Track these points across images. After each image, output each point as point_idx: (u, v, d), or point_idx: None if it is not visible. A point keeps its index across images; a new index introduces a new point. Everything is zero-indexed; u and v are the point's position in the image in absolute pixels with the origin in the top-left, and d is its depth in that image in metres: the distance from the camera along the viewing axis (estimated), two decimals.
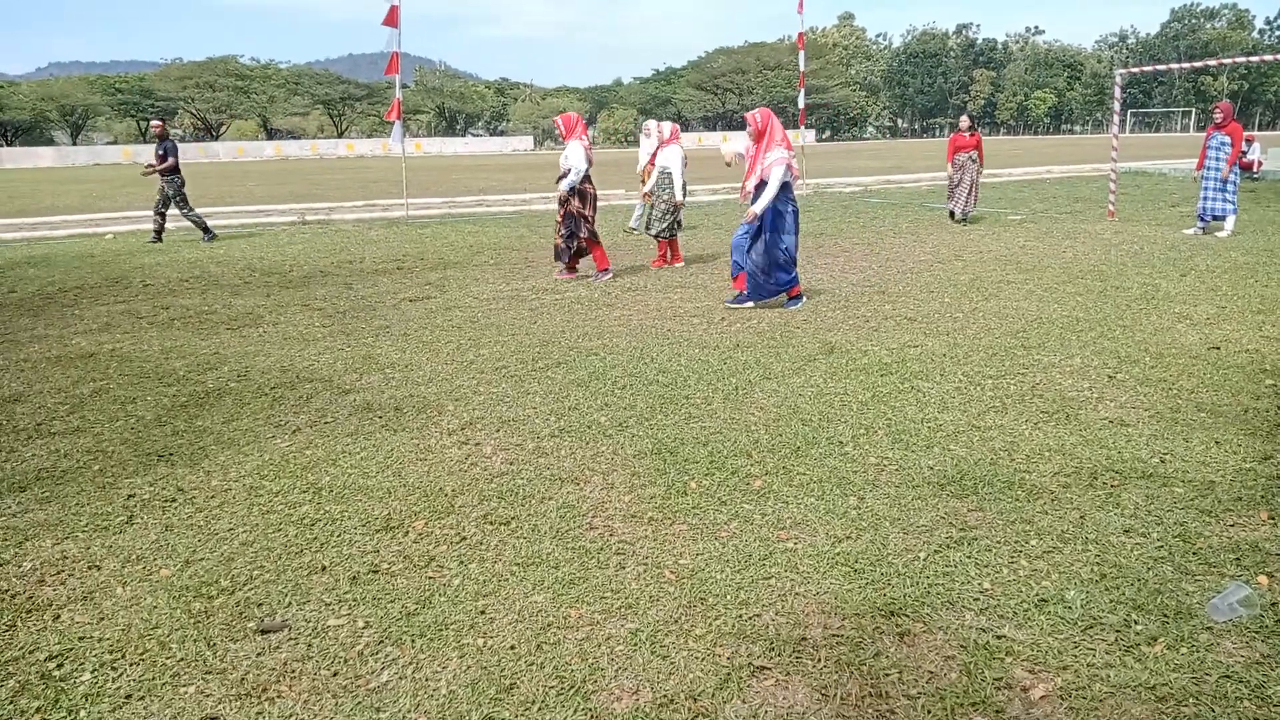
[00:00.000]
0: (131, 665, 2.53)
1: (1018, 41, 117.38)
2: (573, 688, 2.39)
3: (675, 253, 10.00)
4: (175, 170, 12.83)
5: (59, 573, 3.10)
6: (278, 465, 4.06)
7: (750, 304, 7.46)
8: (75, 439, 4.50)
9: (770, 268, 7.23)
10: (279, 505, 3.62)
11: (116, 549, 3.26)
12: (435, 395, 5.13)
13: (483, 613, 2.77)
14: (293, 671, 2.48)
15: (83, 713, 2.33)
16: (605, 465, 3.97)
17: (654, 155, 11.82)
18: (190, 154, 65.48)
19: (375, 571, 3.06)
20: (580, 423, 4.55)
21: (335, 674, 2.47)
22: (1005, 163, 31.91)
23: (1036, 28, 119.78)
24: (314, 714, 2.31)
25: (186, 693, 2.40)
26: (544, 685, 2.41)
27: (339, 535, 3.34)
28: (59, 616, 2.81)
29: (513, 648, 2.58)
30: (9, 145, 76.76)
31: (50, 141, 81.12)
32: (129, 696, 2.39)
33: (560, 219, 8.77)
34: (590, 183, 8.63)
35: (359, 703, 2.35)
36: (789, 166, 7.04)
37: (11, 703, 2.38)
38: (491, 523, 3.43)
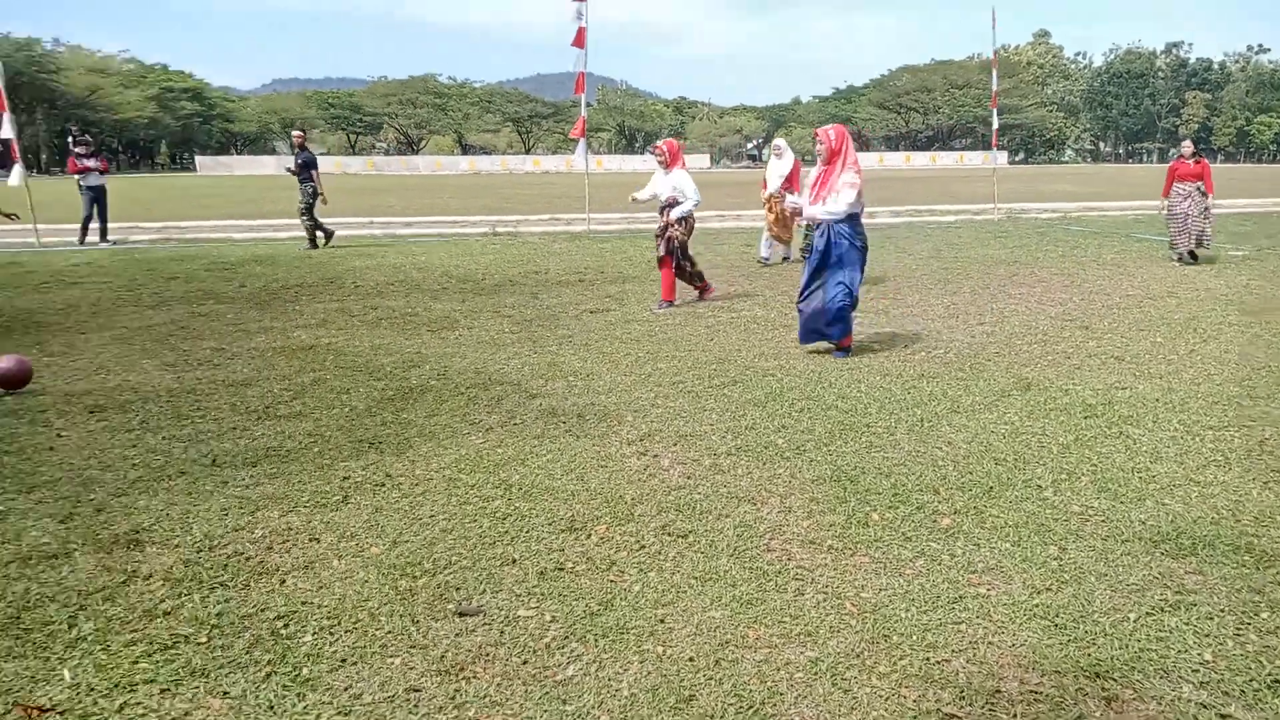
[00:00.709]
0: (346, 633, 2.77)
1: (1237, 61, 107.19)
2: (752, 708, 2.41)
3: None
4: (310, 179, 13.93)
5: (284, 542, 3.43)
6: (473, 460, 4.32)
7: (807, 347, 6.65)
8: (297, 422, 4.96)
9: (829, 315, 6.35)
10: (474, 498, 3.85)
11: (333, 525, 3.58)
12: (615, 405, 5.28)
13: (662, 621, 2.84)
14: (487, 655, 2.64)
15: (305, 670, 2.57)
16: (783, 488, 3.96)
17: (792, 175, 11.46)
18: (393, 167, 70.54)
19: (560, 569, 3.19)
20: (757, 443, 4.56)
21: (525, 662, 2.60)
22: (1225, 193, 29.22)
23: (1260, 46, 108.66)
24: (505, 697, 2.44)
25: (393, 664, 2.60)
26: (723, 701, 2.44)
27: (527, 531, 3.51)
28: (284, 581, 3.12)
29: (691, 660, 2.63)
30: (238, 154, 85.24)
31: (273, 151, 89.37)
32: (344, 660, 2.61)
33: (661, 245, 8.53)
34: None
35: (546, 693, 2.46)
36: (860, 194, 6.32)
37: (247, 653, 2.66)
38: (670, 534, 3.50)
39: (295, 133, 15.09)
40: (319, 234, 14.24)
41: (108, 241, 14.93)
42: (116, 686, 2.51)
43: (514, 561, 3.25)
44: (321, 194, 14.10)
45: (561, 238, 15.95)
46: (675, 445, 4.55)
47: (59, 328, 7.78)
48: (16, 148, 14.69)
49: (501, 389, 5.66)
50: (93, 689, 2.50)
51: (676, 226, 8.44)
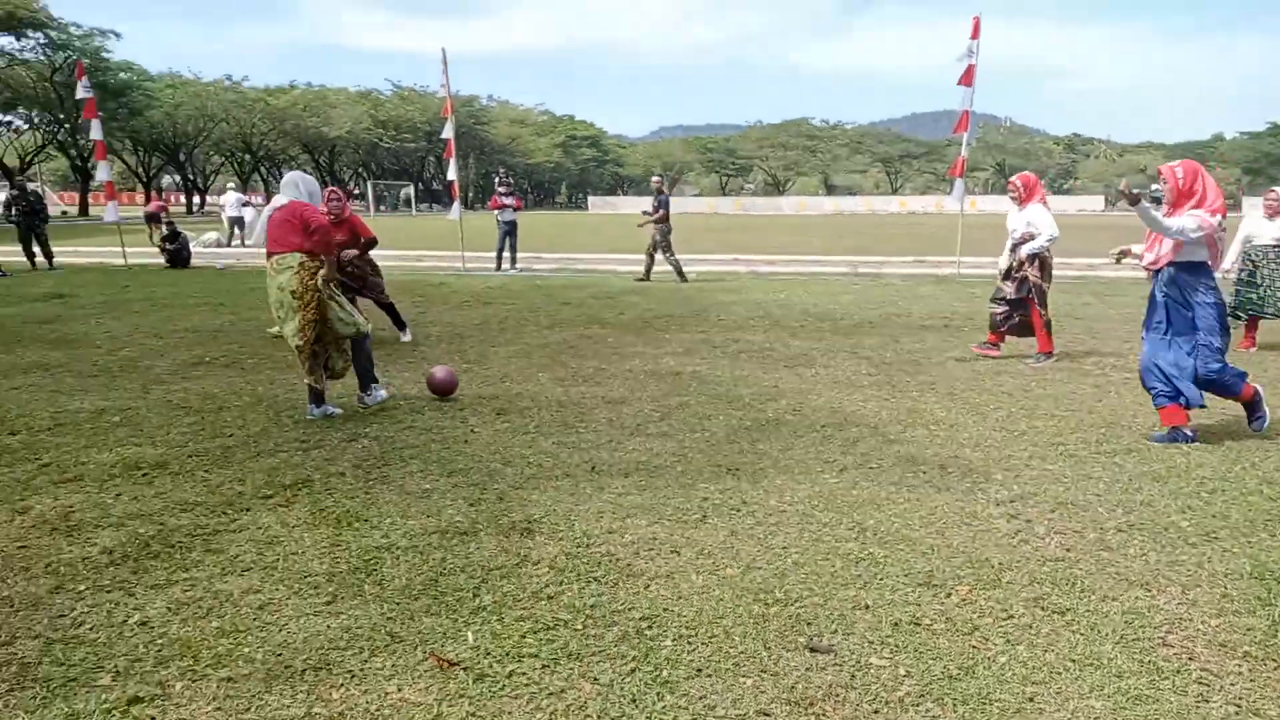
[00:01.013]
0: (703, 645, 2.90)
1: None
2: None
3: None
4: (665, 220, 14.90)
5: (650, 550, 3.69)
6: (826, 498, 4.31)
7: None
8: (664, 441, 5.31)
9: (1208, 380, 5.26)
10: (827, 536, 3.84)
11: (692, 541, 3.77)
12: (982, 461, 4.97)
13: (1031, 700, 2.61)
14: (837, 696, 2.61)
15: (665, 672, 2.73)
16: (1186, 577, 3.45)
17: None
18: (759, 207, 73.03)
19: (916, 624, 3.06)
20: (1154, 522, 4.02)
21: (876, 711, 2.53)
22: None
23: None
24: None
25: (744, 684, 2.67)
26: None
27: (881, 579, 3.42)
28: (649, 586, 3.34)
29: None
30: (624, 194, 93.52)
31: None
32: (699, 671, 2.74)
33: (1007, 286, 7.82)
34: (1050, 251, 7.67)
35: None
36: (1208, 235, 5.11)
37: (615, 646, 2.89)
38: (1043, 608, 3.20)
39: (655, 178, 16.52)
40: (665, 270, 15.35)
41: (516, 269, 17.16)
42: (508, 655, 2.86)
43: (867, 607, 3.18)
44: (652, 224, 15.25)
45: (927, 280, 15.40)
46: (1053, 512, 4.16)
47: (475, 340, 9.10)
48: (456, 188, 17.51)
49: (858, 430, 5.58)
50: (489, 653, 2.87)
51: (1030, 267, 7.77)
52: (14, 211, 16.66)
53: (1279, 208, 8.61)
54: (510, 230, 17.08)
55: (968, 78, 14.83)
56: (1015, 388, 6.85)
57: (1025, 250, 7.73)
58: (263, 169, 70.51)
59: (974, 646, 2.91)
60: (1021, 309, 7.88)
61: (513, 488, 4.46)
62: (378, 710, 2.54)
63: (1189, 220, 5.10)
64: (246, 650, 2.87)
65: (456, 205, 17.58)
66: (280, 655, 2.84)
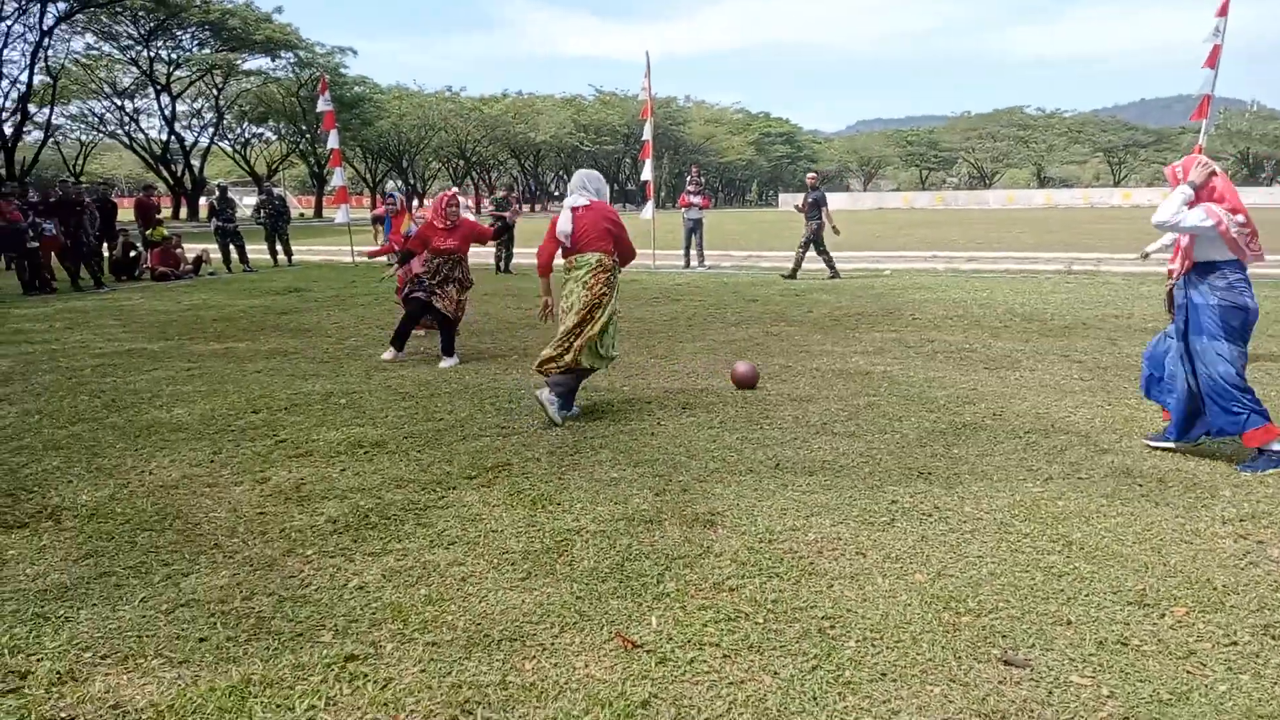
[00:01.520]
0: (888, 649, 2.83)
1: None
2: None
3: None
4: (820, 216, 14.87)
5: (834, 549, 3.64)
6: (1028, 508, 4.07)
7: (1171, 444, 4.94)
8: (851, 441, 5.20)
9: (1213, 391, 4.66)
10: (1027, 547, 3.63)
11: (879, 544, 3.68)
12: (1208, 475, 4.52)
13: None
14: (1031, 712, 2.48)
15: (847, 673, 2.69)
16: None
17: None
18: (961, 201, 69.43)
19: (1124, 644, 2.85)
20: None
21: None
22: None
23: None
24: None
25: (931, 691, 2.59)
26: None
27: (1086, 595, 3.20)
28: (832, 586, 3.30)
29: None
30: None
31: (846, 188, 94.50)
32: (884, 675, 2.68)
33: None
34: None
35: None
36: (1220, 225, 4.54)
37: (796, 643, 2.88)
38: (1274, 636, 2.88)
39: (810, 175, 16.48)
40: (819, 266, 15.26)
41: (703, 266, 17.31)
42: (690, 642, 2.92)
43: (1069, 623, 2.99)
44: (833, 225, 15.17)
45: (1151, 279, 14.09)
46: None
47: (663, 336, 9.27)
48: (651, 188, 17.90)
49: (1065, 438, 5.22)
50: (671, 639, 2.94)
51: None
52: (262, 214, 18.76)
53: None
54: (695, 228, 17.26)
55: (1211, 59, 13.41)
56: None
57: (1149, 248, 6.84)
58: (474, 173, 74.95)
59: (1189, 672, 2.67)
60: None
61: (697, 480, 4.53)
62: (566, 683, 2.67)
63: (1187, 212, 4.61)
64: (449, 618, 3.10)
65: (650, 205, 17.95)
66: (479, 625, 3.05)
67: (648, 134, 16.99)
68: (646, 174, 17.66)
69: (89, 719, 2.51)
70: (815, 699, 2.56)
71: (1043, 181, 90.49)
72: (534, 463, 4.87)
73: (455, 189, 7.43)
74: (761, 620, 3.04)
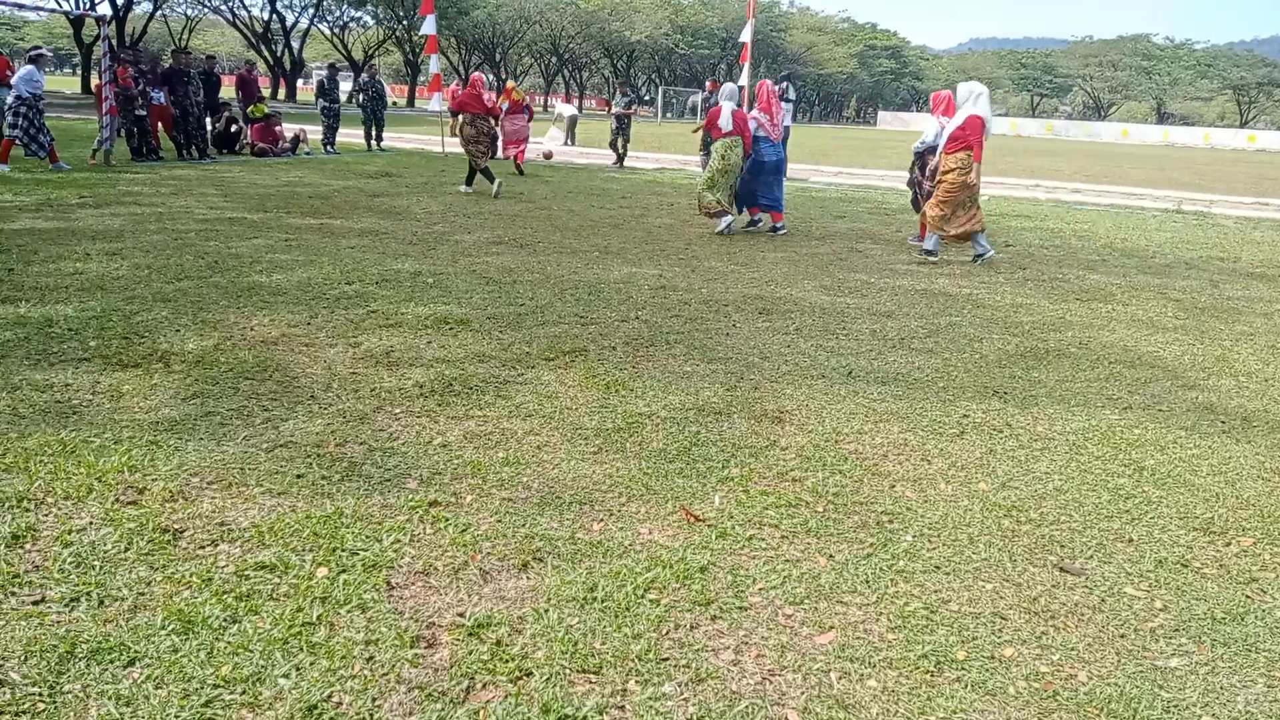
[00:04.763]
0: (944, 545, 2.91)
1: None
2: None
3: None
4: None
5: (899, 454, 3.69)
6: (1102, 433, 4.04)
7: None
8: (927, 358, 5.18)
9: None
10: (1096, 468, 3.62)
11: (946, 453, 3.72)
12: None
13: None
14: (1081, 615, 2.54)
15: (901, 562, 2.78)
16: None
17: None
18: (1072, 132, 65.89)
19: (1184, 565, 2.86)
20: None
21: (1123, 636, 2.44)
22: None
23: None
24: (1095, 658, 2.34)
25: (984, 587, 2.66)
26: None
27: (1151, 518, 3.20)
28: (894, 487, 3.37)
29: None
30: (919, 111, 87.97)
31: None
32: (937, 568, 2.76)
33: None
34: None
35: (1141, 672, 2.29)
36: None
37: (854, 532, 2.98)
38: None
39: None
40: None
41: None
42: (750, 521, 3.04)
43: (1130, 541, 3.01)
44: None
45: (1266, 225, 13.32)
46: None
47: (744, 245, 9.22)
48: (747, 94, 17.44)
49: (1151, 372, 5.11)
50: (732, 516, 3.06)
51: None
52: (363, 96, 19.00)
53: None
54: (784, 137, 16.92)
55: None
56: None
57: None
58: (566, 71, 73.95)
59: (1248, 596, 2.68)
60: None
61: (768, 380, 4.60)
62: (630, 544, 2.83)
63: None
64: (524, 479, 3.28)
65: None
66: (551, 488, 3.22)
67: (746, 35, 16.42)
68: (743, 80, 17.20)
69: (198, 531, 2.77)
70: (868, 582, 2.67)
71: (1161, 117, 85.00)
72: (610, 351, 5.00)
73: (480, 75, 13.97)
74: (821, 510, 3.14)
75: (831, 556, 2.81)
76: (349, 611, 2.39)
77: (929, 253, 8.58)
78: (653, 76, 79.99)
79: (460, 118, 12.53)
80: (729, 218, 9.68)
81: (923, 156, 9.21)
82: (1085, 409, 4.38)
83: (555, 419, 3.90)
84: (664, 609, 2.47)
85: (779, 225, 9.96)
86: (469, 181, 12.32)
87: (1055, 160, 28.81)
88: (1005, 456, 3.71)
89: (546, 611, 2.43)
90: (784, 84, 17.42)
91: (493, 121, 12.68)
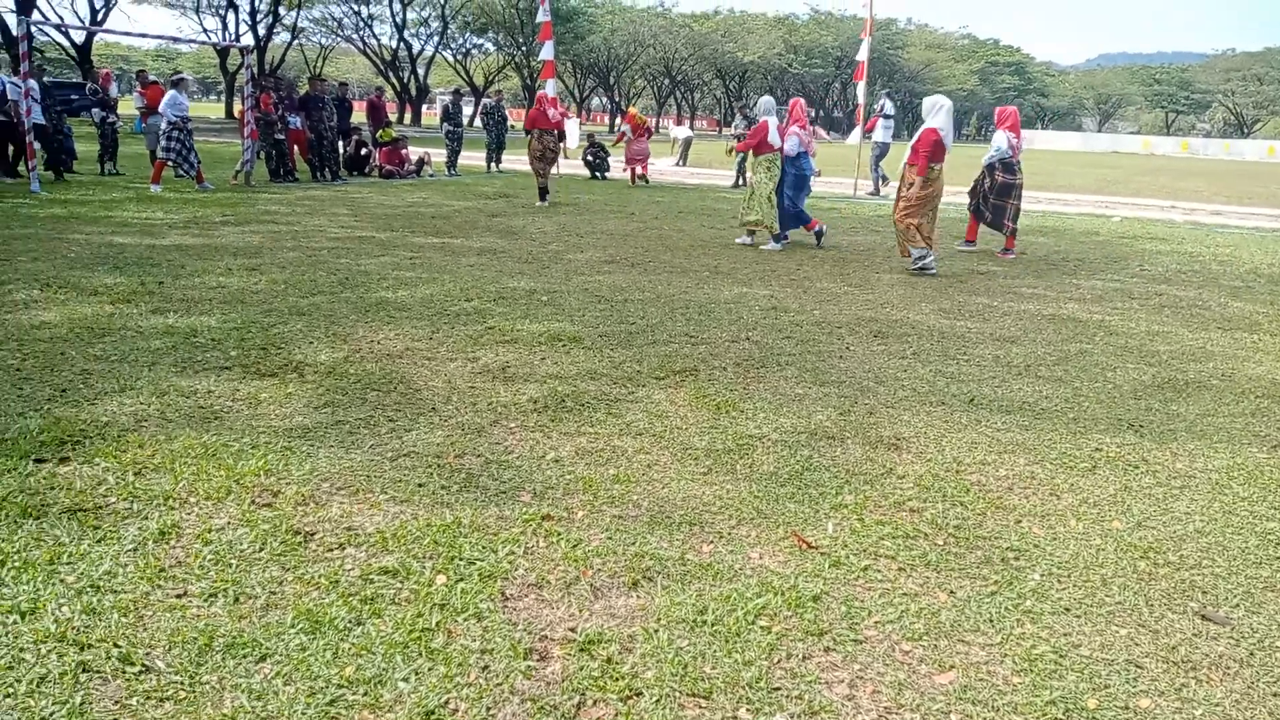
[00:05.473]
0: (1074, 586, 2.75)
1: None
2: None
3: None
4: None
5: (1025, 487, 3.53)
6: (1249, 473, 3.76)
7: None
8: (1056, 386, 4.95)
9: None
10: (1242, 510, 3.38)
11: (1076, 488, 3.54)
12: None
13: None
14: (1227, 667, 2.36)
15: (1029, 602, 2.65)
16: None
17: None
18: (1211, 150, 62.10)
19: None
20: None
21: (1275, 695, 2.25)
22: None
23: None
24: (1243, 716, 2.17)
25: (1117, 633, 2.50)
26: None
27: None
28: (1019, 521, 3.22)
29: None
30: (1044, 128, 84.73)
31: (1078, 127, 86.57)
32: (1067, 609, 2.62)
33: None
34: None
35: None
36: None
37: (976, 568, 2.86)
38: None
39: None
40: None
41: (880, 197, 16.63)
42: (865, 551, 2.96)
43: (1277, 589, 2.79)
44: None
45: None
46: None
47: (858, 265, 9.05)
48: (861, 112, 17.19)
49: None
50: (846, 545, 2.99)
51: None
52: (490, 121, 19.83)
53: None
54: (881, 154, 16.85)
55: None
56: None
57: None
58: (678, 93, 74.58)
59: None
60: None
61: (884, 405, 4.49)
62: (740, 569, 2.80)
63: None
64: (635, 497, 3.29)
65: (857, 131, 17.29)
66: (661, 507, 3.22)
67: (863, 54, 16.19)
68: (860, 96, 16.96)
69: (326, 534, 2.90)
70: (992, 621, 2.55)
71: None
72: (720, 371, 4.98)
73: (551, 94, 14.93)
74: (941, 542, 3.03)
75: (953, 592, 2.70)
76: (465, 620, 2.45)
77: (922, 268, 8.58)
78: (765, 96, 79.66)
79: (531, 135, 13.23)
80: (786, 238, 10.03)
81: (992, 169, 9.92)
82: (1229, 445, 4.09)
83: (665, 438, 3.91)
84: (775, 636, 2.43)
85: (786, 236, 10.06)
86: (541, 197, 13.24)
87: (1193, 180, 27.18)
88: (1141, 494, 3.50)
89: (656, 631, 2.43)
90: (883, 101, 17.11)
91: (557, 135, 13.66)
